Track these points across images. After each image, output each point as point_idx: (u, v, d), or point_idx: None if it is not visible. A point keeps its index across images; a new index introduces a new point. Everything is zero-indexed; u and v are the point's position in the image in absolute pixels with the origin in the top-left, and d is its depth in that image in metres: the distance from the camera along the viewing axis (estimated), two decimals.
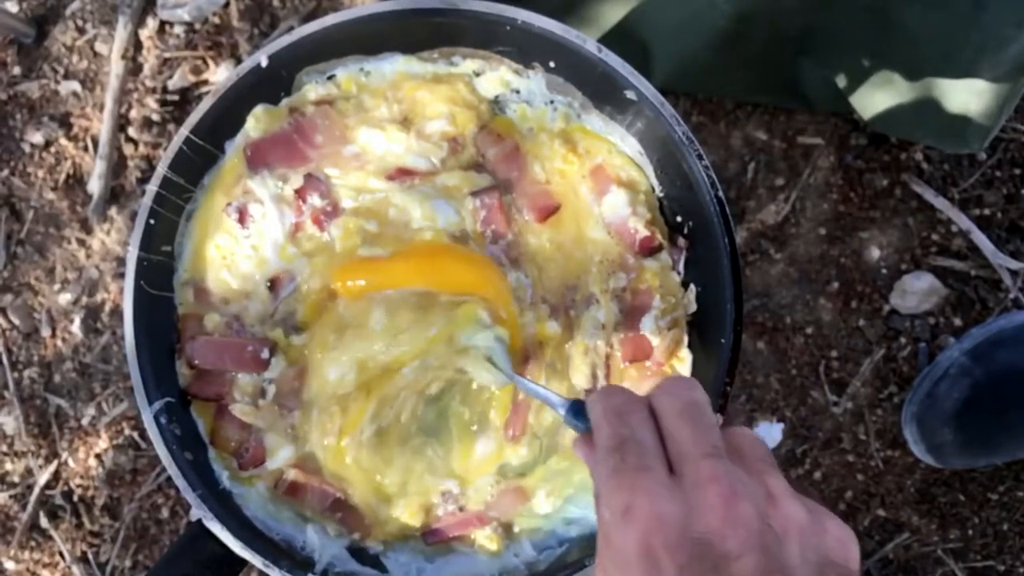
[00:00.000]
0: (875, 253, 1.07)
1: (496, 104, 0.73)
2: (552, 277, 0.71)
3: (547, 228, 0.71)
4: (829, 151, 1.08)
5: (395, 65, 0.72)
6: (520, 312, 0.68)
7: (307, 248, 0.70)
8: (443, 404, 0.69)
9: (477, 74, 0.73)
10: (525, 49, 0.71)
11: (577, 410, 0.49)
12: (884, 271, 1.07)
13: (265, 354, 0.67)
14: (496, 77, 0.72)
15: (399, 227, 0.69)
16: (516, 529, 0.70)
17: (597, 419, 0.45)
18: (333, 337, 0.66)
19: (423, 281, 0.67)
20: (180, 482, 0.65)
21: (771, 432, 1.07)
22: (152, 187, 0.67)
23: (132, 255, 0.67)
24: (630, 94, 0.68)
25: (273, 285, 0.70)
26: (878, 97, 0.96)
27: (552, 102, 0.73)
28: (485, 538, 0.69)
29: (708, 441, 0.41)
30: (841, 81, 0.97)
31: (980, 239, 1.05)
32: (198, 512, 0.64)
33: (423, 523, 0.69)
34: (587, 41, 0.68)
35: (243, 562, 0.65)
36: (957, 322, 1.06)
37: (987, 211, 1.07)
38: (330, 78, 0.72)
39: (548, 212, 0.70)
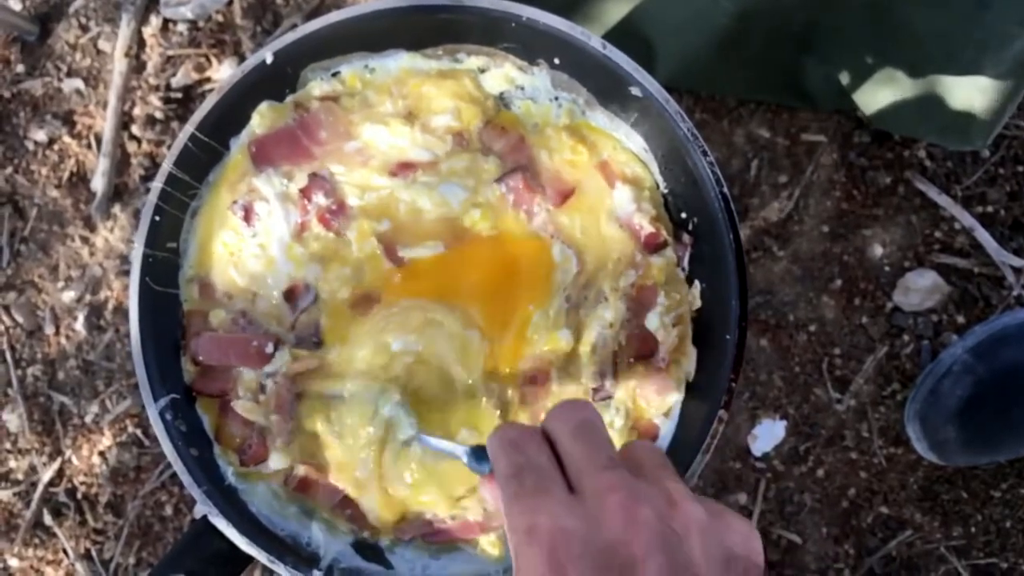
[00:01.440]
0: (878, 250, 1.07)
1: (501, 100, 0.73)
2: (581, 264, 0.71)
3: (569, 213, 0.71)
4: (832, 148, 1.08)
5: (400, 62, 0.72)
6: (558, 289, 0.69)
7: (314, 249, 0.70)
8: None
9: (482, 70, 0.73)
10: (530, 46, 0.71)
11: (479, 456, 0.50)
12: (887, 268, 1.07)
13: (269, 348, 0.68)
14: (501, 74, 0.72)
15: (412, 221, 0.69)
16: None
17: (494, 452, 0.46)
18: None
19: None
20: (185, 478, 0.65)
21: (774, 430, 1.07)
22: (158, 184, 0.67)
23: (138, 251, 0.67)
24: (635, 91, 0.68)
25: (289, 296, 0.69)
26: (881, 94, 0.96)
27: (557, 99, 0.73)
28: (488, 544, 0.69)
29: (603, 454, 0.43)
30: (844, 79, 0.97)
31: (983, 236, 1.05)
32: (203, 508, 0.64)
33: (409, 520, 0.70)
34: (592, 38, 0.68)
35: (248, 558, 0.65)
36: (960, 319, 1.06)
37: (990, 208, 1.07)
38: (335, 75, 0.72)
39: (565, 195, 0.70)
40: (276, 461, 0.67)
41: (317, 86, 0.71)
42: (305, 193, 0.70)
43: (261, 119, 0.70)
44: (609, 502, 0.40)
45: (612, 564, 0.38)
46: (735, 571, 0.41)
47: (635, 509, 0.39)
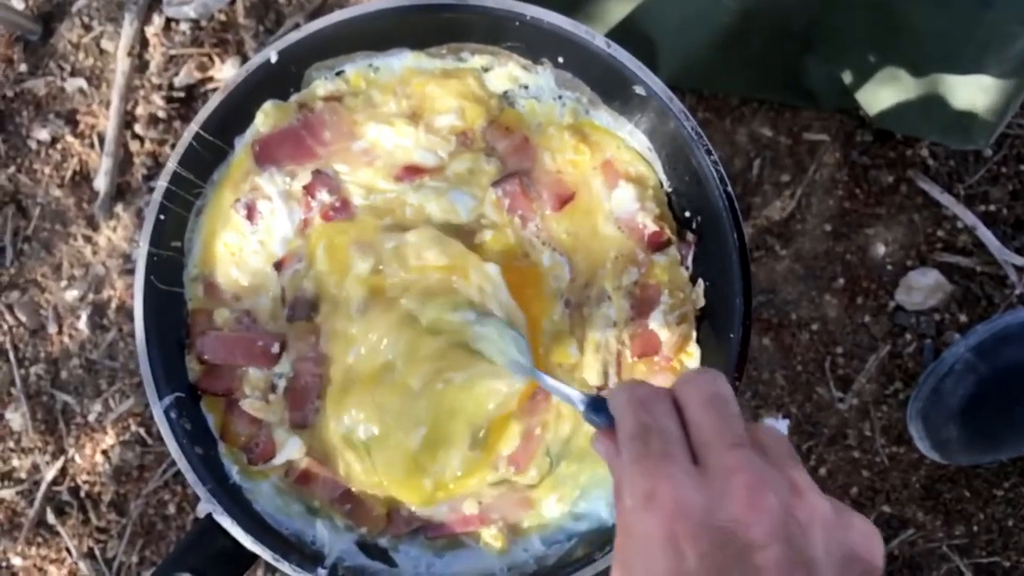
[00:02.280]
0: (880, 249, 1.07)
1: (505, 99, 0.73)
2: (574, 271, 0.71)
3: (564, 218, 0.71)
4: (835, 148, 1.08)
5: (404, 61, 0.72)
6: (553, 297, 0.69)
7: (315, 241, 0.70)
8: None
9: (486, 70, 0.73)
10: (534, 45, 0.71)
11: (596, 406, 0.49)
12: (889, 267, 1.07)
13: (275, 349, 0.68)
14: (504, 73, 0.72)
15: (416, 223, 0.69)
16: (525, 525, 0.70)
17: (621, 408, 0.44)
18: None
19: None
20: (190, 476, 0.65)
21: (776, 428, 1.07)
22: (162, 183, 0.67)
23: (142, 250, 0.67)
24: (639, 89, 0.68)
25: (279, 266, 0.70)
26: (883, 93, 0.96)
27: (560, 97, 0.73)
28: (490, 537, 0.69)
29: (733, 431, 0.41)
30: (846, 78, 0.97)
31: (986, 235, 1.05)
32: (208, 507, 0.65)
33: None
34: (596, 37, 0.68)
35: (253, 556, 0.65)
36: (963, 318, 1.06)
37: (993, 207, 1.07)
38: (339, 74, 0.72)
39: (564, 200, 0.71)
40: (288, 453, 0.67)
41: (321, 85, 0.71)
42: (309, 190, 0.70)
43: (265, 118, 0.70)
44: (735, 481, 0.39)
45: (729, 545, 0.37)
46: (853, 572, 0.40)
47: (761, 493, 0.38)
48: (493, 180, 0.70)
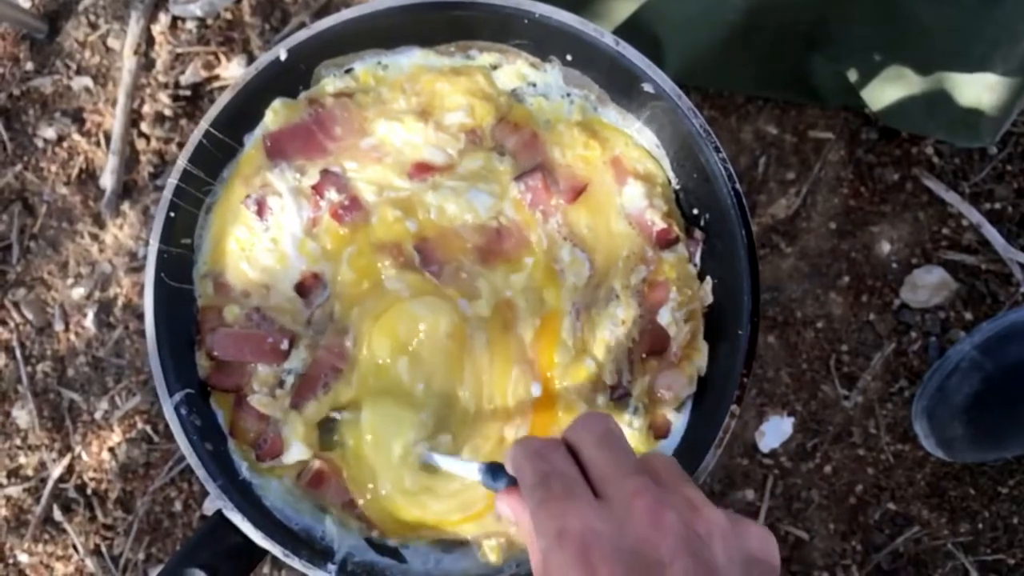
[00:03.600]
0: (885, 247, 1.08)
1: (513, 97, 0.73)
2: (592, 268, 0.71)
3: (581, 212, 0.71)
4: (840, 145, 1.08)
5: (412, 58, 0.73)
6: (568, 298, 0.70)
7: (326, 243, 0.70)
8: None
9: (494, 67, 0.73)
10: (542, 42, 0.71)
11: (493, 471, 0.51)
12: (894, 265, 1.07)
13: (285, 345, 0.68)
14: (513, 70, 0.73)
15: (441, 225, 0.70)
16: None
17: (519, 463, 0.47)
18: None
19: None
20: (200, 472, 0.65)
21: (781, 426, 1.07)
22: (172, 180, 0.68)
23: (153, 247, 0.67)
24: (647, 87, 0.68)
25: (302, 291, 0.70)
26: (889, 91, 0.96)
27: (569, 95, 0.73)
28: (489, 548, 0.69)
29: (628, 462, 0.45)
30: (852, 75, 0.97)
31: (991, 233, 1.05)
32: (218, 502, 0.65)
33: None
34: (604, 34, 0.68)
35: (263, 552, 0.65)
36: (968, 316, 1.07)
37: (998, 205, 1.07)
38: (348, 72, 0.72)
39: (578, 191, 0.71)
40: (296, 452, 0.67)
41: (331, 83, 0.72)
42: (317, 189, 0.70)
43: (275, 116, 0.70)
44: (636, 506, 0.42)
45: (641, 565, 0.40)
46: (755, 573, 0.43)
47: (661, 513, 0.41)
48: (510, 178, 0.70)
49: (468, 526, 0.69)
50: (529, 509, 0.44)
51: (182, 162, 0.68)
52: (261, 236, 0.71)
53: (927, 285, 1.06)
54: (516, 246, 0.70)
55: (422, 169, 0.70)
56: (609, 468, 0.44)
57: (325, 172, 0.70)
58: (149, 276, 0.67)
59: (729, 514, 0.44)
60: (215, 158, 0.70)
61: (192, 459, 0.65)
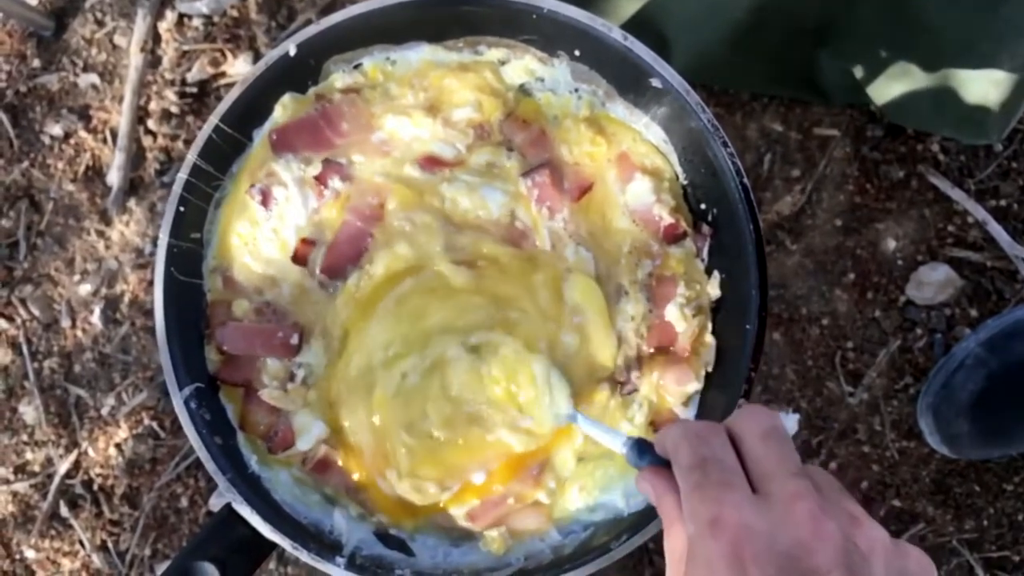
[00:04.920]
0: (891, 244, 1.08)
1: (521, 92, 0.74)
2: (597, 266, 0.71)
3: (582, 211, 0.71)
4: (845, 142, 1.08)
5: (421, 54, 0.73)
6: None
7: (326, 215, 0.71)
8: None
9: (502, 63, 0.73)
10: (550, 38, 0.71)
11: (640, 448, 0.50)
12: (900, 262, 1.07)
13: (295, 340, 0.68)
14: (521, 66, 0.73)
15: (457, 216, 0.70)
16: (534, 527, 0.70)
17: (676, 442, 0.45)
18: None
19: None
20: (210, 466, 0.65)
21: (787, 423, 1.07)
22: (182, 175, 0.68)
23: (162, 242, 0.67)
24: (655, 82, 0.68)
25: (297, 259, 0.70)
26: (896, 88, 0.96)
27: (577, 90, 0.73)
28: (491, 538, 0.69)
29: (793, 462, 0.43)
30: (858, 72, 0.97)
31: (996, 230, 1.05)
32: (227, 496, 0.65)
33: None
34: (612, 29, 0.68)
35: (271, 546, 0.66)
36: (973, 313, 1.07)
37: (1003, 202, 1.07)
38: (357, 67, 0.73)
39: (583, 190, 0.71)
40: (308, 440, 0.68)
41: (339, 78, 0.72)
42: (320, 179, 0.70)
43: (284, 110, 0.71)
44: (797, 509, 0.40)
45: (793, 569, 0.38)
46: None
47: (823, 520, 0.40)
48: (517, 174, 0.71)
49: (456, 509, 0.69)
50: (682, 491, 0.43)
51: (192, 157, 0.68)
52: (263, 228, 0.71)
53: (932, 282, 1.06)
54: (531, 247, 0.70)
55: (432, 162, 0.71)
56: (773, 465, 0.43)
57: (328, 161, 0.70)
58: (159, 270, 0.67)
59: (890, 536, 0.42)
60: (224, 153, 0.71)
61: (202, 453, 0.66)
